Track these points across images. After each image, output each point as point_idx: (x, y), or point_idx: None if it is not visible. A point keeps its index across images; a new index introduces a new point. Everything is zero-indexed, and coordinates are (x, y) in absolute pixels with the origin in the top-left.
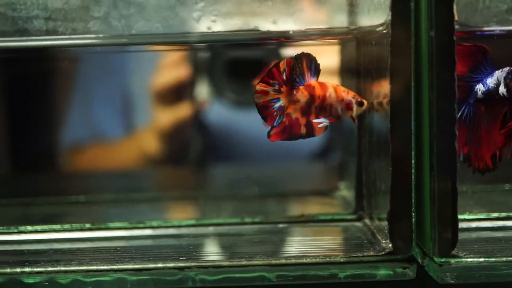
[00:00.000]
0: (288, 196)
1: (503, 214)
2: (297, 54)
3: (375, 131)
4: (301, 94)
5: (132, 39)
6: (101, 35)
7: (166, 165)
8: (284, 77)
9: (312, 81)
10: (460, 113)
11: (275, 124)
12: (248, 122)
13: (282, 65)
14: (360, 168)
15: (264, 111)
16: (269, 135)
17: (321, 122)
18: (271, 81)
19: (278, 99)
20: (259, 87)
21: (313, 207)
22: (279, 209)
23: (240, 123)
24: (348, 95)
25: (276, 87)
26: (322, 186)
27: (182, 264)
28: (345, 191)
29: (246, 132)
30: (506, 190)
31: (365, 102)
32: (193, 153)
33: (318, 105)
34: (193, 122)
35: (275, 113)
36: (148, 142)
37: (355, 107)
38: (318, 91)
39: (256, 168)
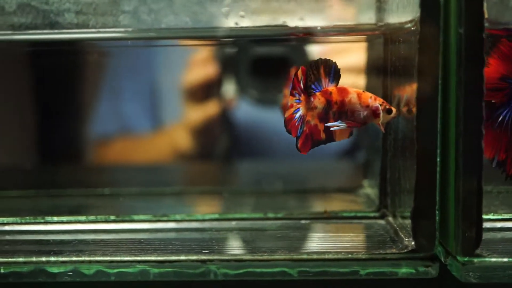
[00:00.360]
0: (312, 193)
1: None
2: (313, 60)
3: (400, 129)
4: (318, 101)
5: (160, 33)
6: (130, 29)
7: (192, 160)
8: (302, 86)
9: (330, 86)
10: (501, 117)
11: (298, 134)
12: (274, 119)
13: (300, 74)
14: (384, 166)
15: (289, 124)
16: (297, 148)
17: (336, 125)
18: (294, 92)
19: (298, 109)
20: (287, 101)
21: (336, 204)
22: (302, 205)
23: (266, 120)
24: (375, 101)
25: (297, 97)
26: (346, 184)
27: (204, 257)
28: (369, 189)
29: (272, 129)
30: None
31: (393, 109)
32: (219, 149)
33: (336, 110)
34: (220, 118)
35: (296, 123)
36: (175, 137)
37: (382, 114)
38: (336, 97)
39: (280, 165)
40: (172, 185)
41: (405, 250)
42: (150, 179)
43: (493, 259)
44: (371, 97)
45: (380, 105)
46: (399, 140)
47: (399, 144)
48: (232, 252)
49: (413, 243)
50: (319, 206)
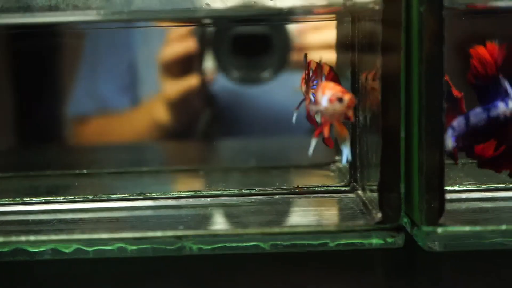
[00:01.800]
0: (286, 168)
1: (492, 185)
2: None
3: (368, 105)
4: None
5: (132, 15)
6: (102, 11)
7: (168, 137)
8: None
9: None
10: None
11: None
12: (251, 95)
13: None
14: (354, 141)
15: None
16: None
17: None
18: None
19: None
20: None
21: (309, 179)
22: (276, 180)
23: (243, 96)
24: (329, 92)
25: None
26: (320, 159)
27: (180, 233)
28: (340, 164)
29: (248, 105)
30: None
31: (345, 98)
32: (196, 125)
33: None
34: (198, 94)
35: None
36: (153, 112)
37: (333, 104)
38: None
39: (255, 141)
40: (149, 163)
41: (373, 222)
42: (127, 158)
43: (456, 228)
44: (330, 89)
45: (331, 96)
46: (367, 115)
47: (367, 119)
48: (206, 228)
49: (380, 215)
50: (292, 181)
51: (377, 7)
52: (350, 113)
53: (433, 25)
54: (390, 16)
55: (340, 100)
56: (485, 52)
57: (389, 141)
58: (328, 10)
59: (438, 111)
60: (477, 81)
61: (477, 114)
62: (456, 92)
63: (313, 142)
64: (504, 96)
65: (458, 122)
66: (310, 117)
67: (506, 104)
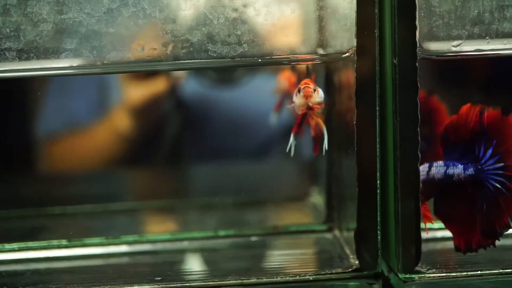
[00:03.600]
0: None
1: None
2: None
3: (342, 150)
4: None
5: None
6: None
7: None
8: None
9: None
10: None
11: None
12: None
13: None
14: (329, 181)
15: None
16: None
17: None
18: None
19: None
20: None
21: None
22: (251, 217)
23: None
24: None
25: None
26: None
27: (157, 286)
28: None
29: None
30: None
31: (301, 87)
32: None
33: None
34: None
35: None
36: (118, 124)
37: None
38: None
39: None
40: (121, 197)
41: (350, 269)
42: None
43: (432, 275)
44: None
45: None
46: (342, 160)
47: (342, 163)
48: (184, 278)
49: (357, 262)
50: (268, 218)
51: (351, 56)
52: (313, 105)
53: (407, 76)
54: (364, 67)
55: (298, 91)
56: (470, 111)
57: (365, 190)
58: (301, 60)
59: (413, 161)
60: (449, 135)
61: (437, 167)
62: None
63: (291, 139)
64: (470, 161)
65: (422, 167)
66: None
67: (465, 170)
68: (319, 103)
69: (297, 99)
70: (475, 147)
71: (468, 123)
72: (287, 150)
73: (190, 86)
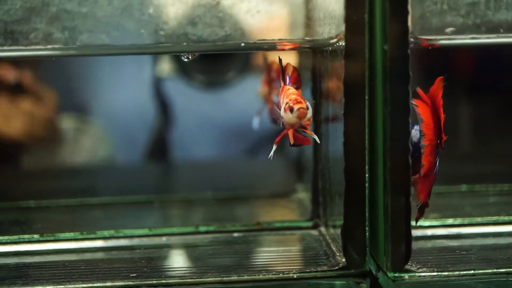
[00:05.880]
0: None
1: (458, 221)
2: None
3: (330, 143)
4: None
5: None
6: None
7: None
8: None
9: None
10: None
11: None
12: None
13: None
14: (316, 176)
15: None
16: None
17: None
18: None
19: None
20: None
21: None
22: (234, 212)
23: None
24: (286, 99)
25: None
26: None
27: (131, 283)
28: (303, 194)
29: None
30: (462, 191)
31: (295, 107)
32: None
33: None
34: None
35: None
36: None
37: (286, 114)
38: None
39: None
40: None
41: (337, 267)
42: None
43: (423, 274)
44: (287, 96)
45: (285, 105)
46: (329, 152)
47: (329, 156)
48: (160, 276)
49: (344, 259)
50: (252, 214)
51: (339, 43)
52: (305, 123)
53: (398, 63)
54: (352, 54)
55: (291, 110)
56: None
57: (353, 184)
58: (290, 46)
59: (403, 153)
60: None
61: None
62: None
63: (274, 148)
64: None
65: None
66: (273, 120)
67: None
68: (309, 119)
69: (288, 117)
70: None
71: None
72: (270, 157)
73: (176, 85)
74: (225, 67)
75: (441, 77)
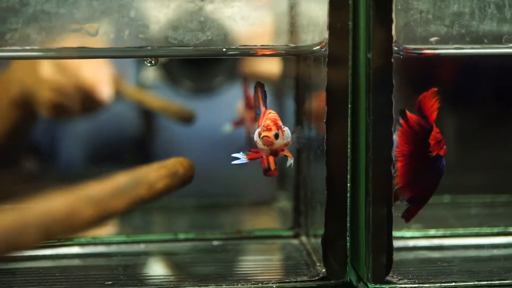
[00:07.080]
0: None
1: (440, 232)
2: (257, 82)
3: (312, 151)
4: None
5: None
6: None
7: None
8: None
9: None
10: None
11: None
12: None
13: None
14: (297, 185)
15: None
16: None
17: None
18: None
19: None
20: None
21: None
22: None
23: None
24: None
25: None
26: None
27: None
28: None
29: None
30: (445, 202)
31: (262, 134)
32: None
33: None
34: None
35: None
36: None
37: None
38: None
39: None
40: None
41: (317, 277)
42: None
43: (404, 285)
44: (264, 121)
45: (260, 130)
46: (311, 161)
47: (311, 165)
48: (136, 283)
49: (324, 270)
50: (232, 222)
51: (322, 50)
52: (277, 149)
53: (381, 72)
54: (335, 62)
55: (259, 136)
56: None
57: (335, 193)
58: (272, 52)
59: (386, 163)
60: None
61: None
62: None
63: (243, 160)
64: None
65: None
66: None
67: None
68: (285, 144)
69: (259, 143)
70: None
71: None
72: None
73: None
74: (212, 73)
75: (435, 88)
